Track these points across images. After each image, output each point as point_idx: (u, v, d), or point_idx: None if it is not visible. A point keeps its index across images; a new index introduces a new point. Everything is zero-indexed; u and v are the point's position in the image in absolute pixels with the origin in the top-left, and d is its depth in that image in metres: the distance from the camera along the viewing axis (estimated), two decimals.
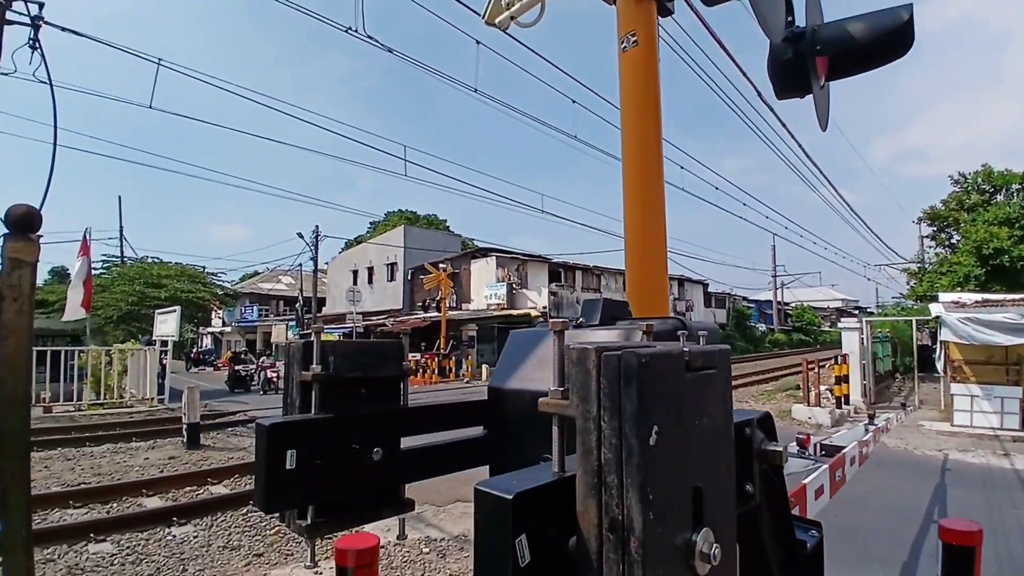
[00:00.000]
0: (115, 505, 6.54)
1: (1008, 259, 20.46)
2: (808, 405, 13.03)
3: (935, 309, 13.09)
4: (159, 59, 10.86)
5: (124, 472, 7.96)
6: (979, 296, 14.16)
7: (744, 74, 11.39)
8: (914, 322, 16.10)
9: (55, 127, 2.65)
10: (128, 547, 5.24)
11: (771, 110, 13.04)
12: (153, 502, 6.63)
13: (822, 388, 14.14)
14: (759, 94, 12.38)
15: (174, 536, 5.51)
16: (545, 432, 1.82)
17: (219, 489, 7.19)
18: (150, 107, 10.78)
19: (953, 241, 25.40)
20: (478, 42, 11.58)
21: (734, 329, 50.63)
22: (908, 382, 20.29)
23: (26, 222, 2.44)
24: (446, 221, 59.93)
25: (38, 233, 2.49)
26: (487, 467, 2.02)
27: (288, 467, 1.59)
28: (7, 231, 2.37)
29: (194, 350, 44.57)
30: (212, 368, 38.89)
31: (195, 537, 5.49)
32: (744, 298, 58.11)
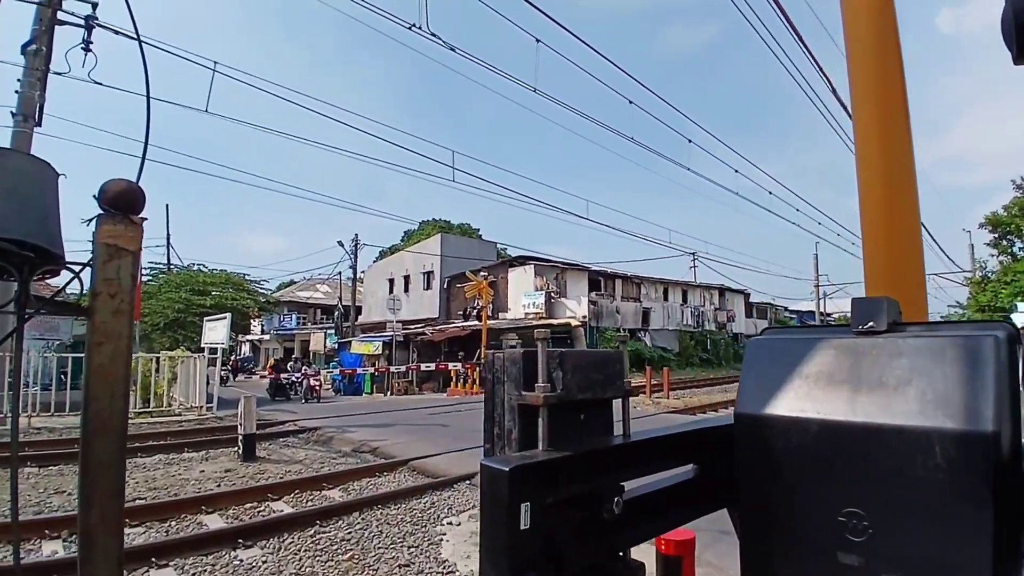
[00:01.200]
0: (174, 523, 6.20)
1: None
2: None
3: (1019, 320, 12.20)
4: (215, 62, 10.74)
5: (180, 486, 7.65)
6: None
7: (820, 70, 10.74)
8: None
9: (147, 86, 2.21)
10: (194, 573, 4.86)
11: (843, 108, 12.33)
12: (214, 520, 6.27)
13: None
14: (833, 91, 11.70)
15: (242, 561, 5.10)
16: (842, 476, 1.31)
17: (280, 506, 6.80)
18: (206, 111, 10.66)
19: (1015, 249, 24.07)
20: (537, 40, 11.21)
21: None
22: None
23: (127, 201, 1.99)
24: (479, 230, 59.79)
25: (141, 215, 2.07)
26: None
27: (523, 526, 1.13)
28: (102, 211, 1.94)
29: (232, 358, 44.99)
30: (254, 376, 39.18)
31: (264, 562, 5.08)
32: (785, 308, 56.47)
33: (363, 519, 6.18)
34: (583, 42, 10.83)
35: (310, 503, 6.91)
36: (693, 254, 40.98)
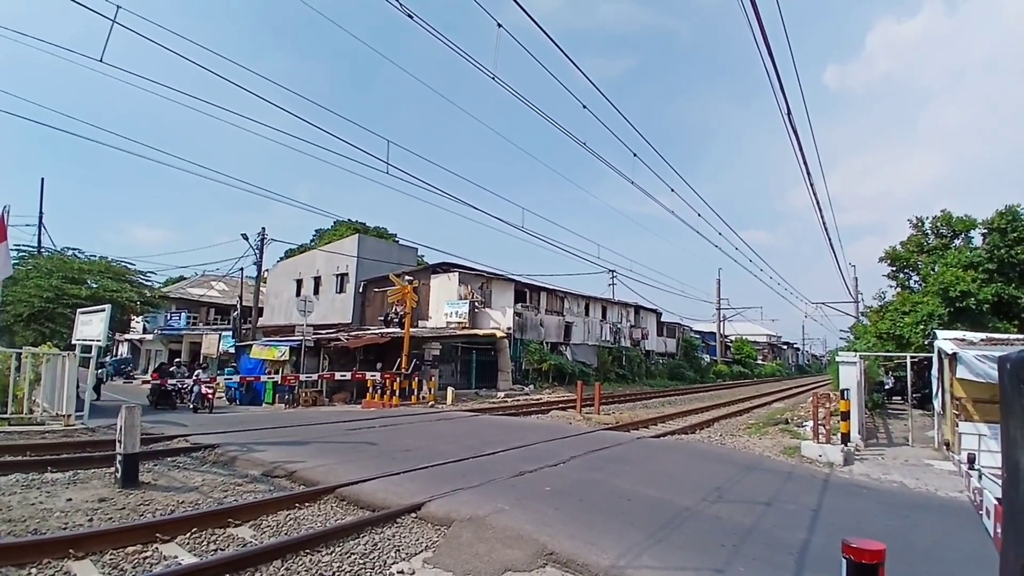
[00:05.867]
0: (34, 571, 4.62)
1: (974, 301, 20.87)
2: (818, 442, 12.25)
3: (946, 346, 12.68)
4: (117, 6, 8.95)
5: (42, 519, 5.92)
6: (983, 335, 14.05)
7: (780, 87, 10.58)
8: (908, 358, 15.82)
9: None
10: None
11: (793, 132, 12.36)
12: (86, 570, 4.71)
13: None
14: (788, 113, 11.66)
15: None
16: None
17: (173, 549, 5.33)
18: (101, 60, 8.82)
19: (911, 283, 25.95)
20: (499, 24, 10.31)
21: (683, 359, 50.82)
22: (876, 419, 20.16)
23: None
24: (395, 235, 57.81)
25: None
26: None
27: None
28: None
29: (106, 358, 40.24)
30: (134, 381, 35.24)
31: None
32: (691, 328, 58.75)
33: (288, 569, 4.88)
34: (544, 32, 10.06)
35: (214, 547, 5.47)
36: (612, 271, 41.51)
